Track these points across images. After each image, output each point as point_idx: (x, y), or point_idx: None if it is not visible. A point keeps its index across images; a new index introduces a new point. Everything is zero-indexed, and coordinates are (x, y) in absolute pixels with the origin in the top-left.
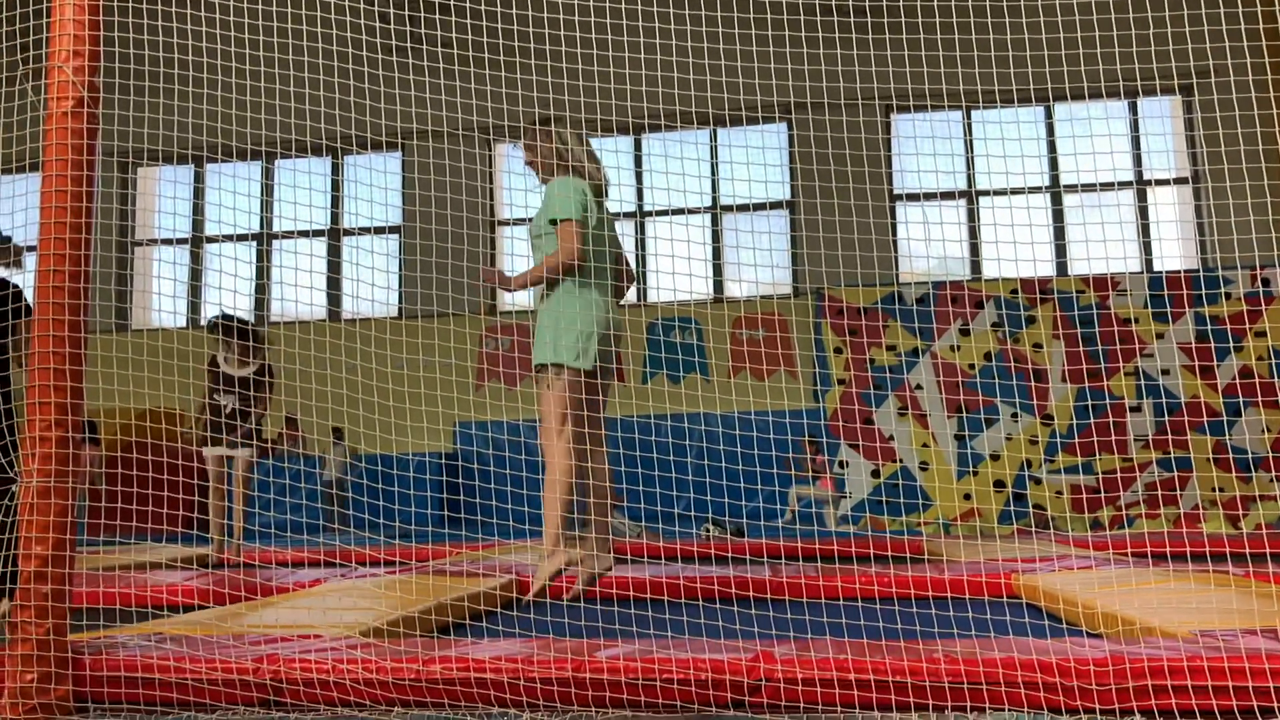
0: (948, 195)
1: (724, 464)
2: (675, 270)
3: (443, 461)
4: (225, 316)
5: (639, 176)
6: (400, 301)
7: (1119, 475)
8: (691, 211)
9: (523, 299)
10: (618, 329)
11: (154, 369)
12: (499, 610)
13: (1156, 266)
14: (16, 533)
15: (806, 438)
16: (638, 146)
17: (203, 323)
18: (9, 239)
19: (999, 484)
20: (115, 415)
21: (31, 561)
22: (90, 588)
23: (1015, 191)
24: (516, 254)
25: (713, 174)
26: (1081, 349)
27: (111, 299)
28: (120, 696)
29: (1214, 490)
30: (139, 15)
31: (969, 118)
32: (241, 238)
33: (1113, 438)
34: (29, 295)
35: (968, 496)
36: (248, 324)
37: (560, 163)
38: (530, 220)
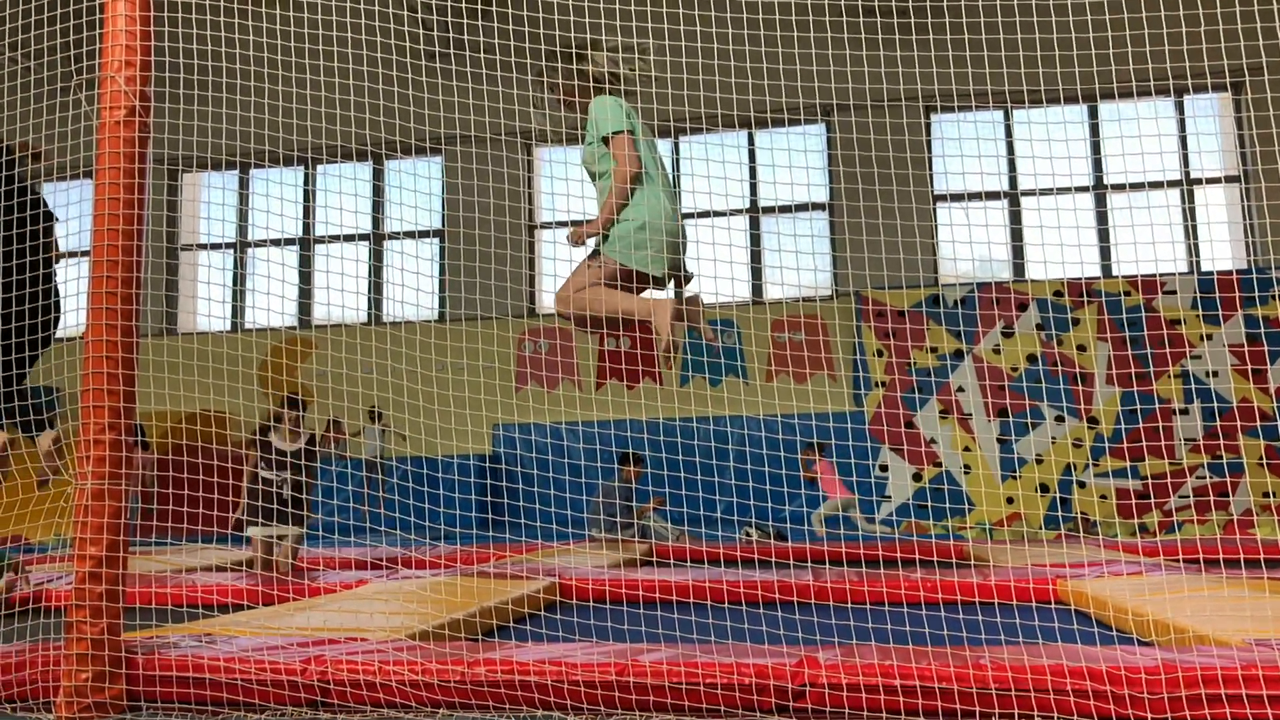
0: (990, 196)
1: (766, 468)
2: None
3: (486, 465)
4: (292, 394)
5: (677, 180)
6: (441, 305)
7: (1167, 480)
8: (732, 214)
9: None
10: (681, 235)
11: (201, 373)
12: (542, 613)
13: (1205, 267)
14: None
15: (812, 442)
16: (676, 150)
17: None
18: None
19: (1042, 488)
20: (166, 419)
21: (86, 562)
22: (141, 588)
23: (1061, 191)
24: (556, 257)
25: (751, 176)
26: (1128, 351)
27: (163, 304)
28: (172, 696)
29: (1265, 495)
30: (185, 25)
31: (1010, 118)
32: (287, 243)
33: (1161, 442)
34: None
35: (1010, 500)
36: (297, 396)
37: (593, 84)
38: (582, 152)
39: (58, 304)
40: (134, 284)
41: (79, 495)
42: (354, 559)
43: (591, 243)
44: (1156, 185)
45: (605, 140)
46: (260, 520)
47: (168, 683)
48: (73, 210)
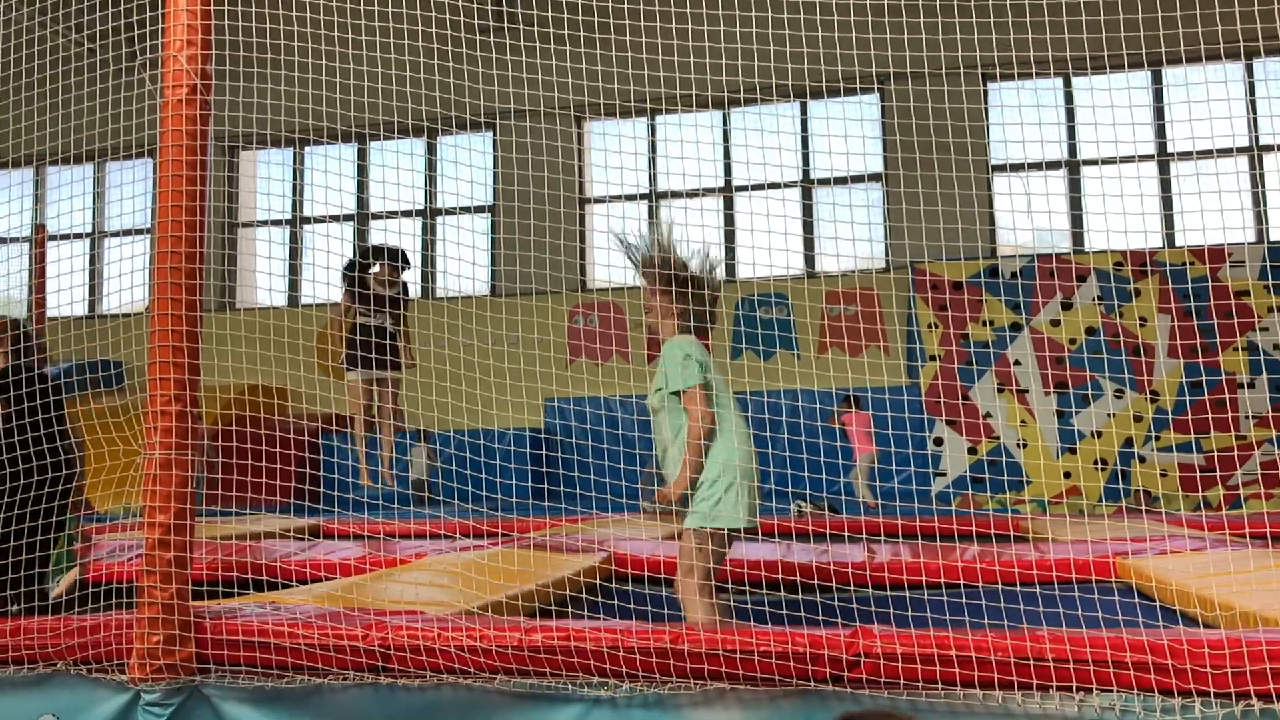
0: (1050, 165)
1: (821, 440)
2: (768, 245)
3: (541, 436)
4: (393, 248)
5: (727, 151)
6: (492, 280)
7: (1234, 453)
8: (786, 186)
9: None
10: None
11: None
12: (598, 582)
13: (1274, 236)
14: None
15: (848, 394)
16: (726, 120)
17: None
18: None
19: (1101, 462)
20: (230, 391)
21: (155, 529)
22: (207, 556)
23: (1125, 160)
24: (608, 231)
25: (804, 147)
26: (1193, 323)
27: (223, 279)
28: (239, 659)
29: None
30: (242, 3)
31: (1070, 85)
32: (345, 218)
33: (1227, 415)
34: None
35: (1067, 475)
36: (398, 247)
37: (676, 321)
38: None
39: (75, 475)
40: (197, 259)
41: (147, 465)
42: (413, 529)
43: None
44: (1224, 153)
45: (676, 393)
46: (360, 366)
47: (234, 646)
48: (138, 188)
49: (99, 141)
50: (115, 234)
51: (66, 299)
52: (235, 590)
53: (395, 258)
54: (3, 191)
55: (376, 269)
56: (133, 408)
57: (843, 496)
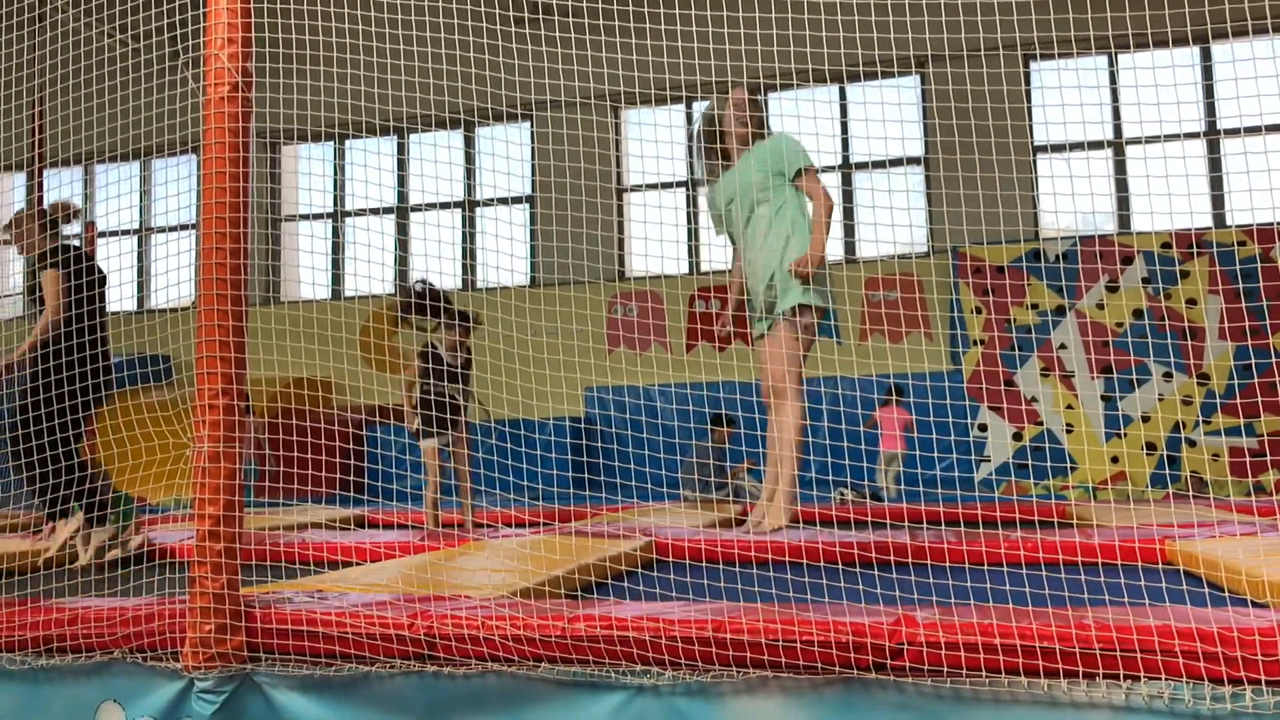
0: (1094, 145)
1: (861, 428)
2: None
3: (581, 425)
4: (433, 294)
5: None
6: (532, 270)
7: None
8: (824, 170)
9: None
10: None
11: (306, 339)
12: (639, 570)
13: None
14: (96, 468)
15: (890, 383)
16: (765, 107)
17: (399, 291)
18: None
19: (1149, 446)
20: (276, 384)
21: (205, 521)
22: (256, 545)
23: (1169, 138)
24: (645, 220)
25: (843, 132)
26: (1242, 304)
27: (268, 273)
28: (289, 648)
29: None
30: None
31: (1115, 64)
32: (385, 211)
33: (1279, 398)
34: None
35: (1115, 459)
36: (468, 310)
37: (759, 130)
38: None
39: (108, 368)
40: (241, 254)
41: (196, 458)
42: (455, 518)
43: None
44: (1274, 129)
45: (778, 175)
46: (435, 430)
47: (284, 635)
48: (183, 185)
49: (144, 140)
50: (162, 230)
51: (116, 295)
52: (300, 571)
53: (466, 319)
54: (54, 191)
55: (442, 332)
56: (181, 402)
57: (864, 481)
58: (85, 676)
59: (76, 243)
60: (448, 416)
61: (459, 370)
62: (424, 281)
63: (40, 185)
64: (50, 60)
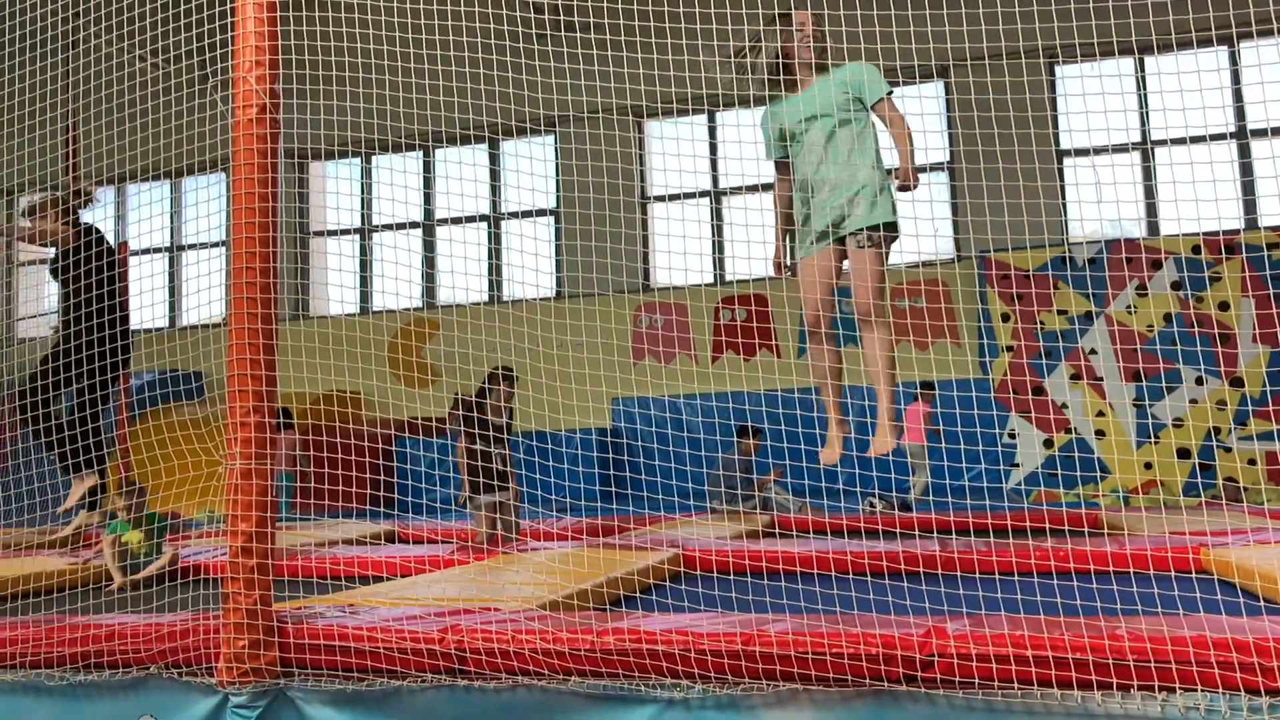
0: (1118, 149)
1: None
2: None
3: (607, 439)
4: (505, 368)
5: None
6: (558, 285)
7: None
8: None
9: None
10: None
11: (335, 355)
12: (667, 583)
13: None
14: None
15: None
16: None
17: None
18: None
19: (1183, 453)
20: (305, 400)
21: (238, 537)
22: (289, 561)
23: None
24: (670, 233)
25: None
26: (1273, 310)
27: (296, 290)
28: (321, 663)
29: None
30: (308, 23)
31: (1142, 69)
32: (411, 226)
33: None
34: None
35: (1148, 466)
36: (511, 371)
37: (821, 60)
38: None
39: (127, 333)
40: (271, 272)
41: (229, 475)
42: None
43: (860, 210)
44: None
45: (858, 100)
46: (483, 494)
47: (317, 650)
48: (214, 205)
49: (175, 161)
50: (193, 247)
51: (149, 313)
52: (331, 586)
53: (511, 381)
54: (88, 212)
55: (490, 397)
56: (214, 419)
57: (893, 492)
58: (122, 692)
59: (91, 221)
60: (494, 482)
61: (505, 431)
62: (507, 368)
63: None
64: (84, 84)
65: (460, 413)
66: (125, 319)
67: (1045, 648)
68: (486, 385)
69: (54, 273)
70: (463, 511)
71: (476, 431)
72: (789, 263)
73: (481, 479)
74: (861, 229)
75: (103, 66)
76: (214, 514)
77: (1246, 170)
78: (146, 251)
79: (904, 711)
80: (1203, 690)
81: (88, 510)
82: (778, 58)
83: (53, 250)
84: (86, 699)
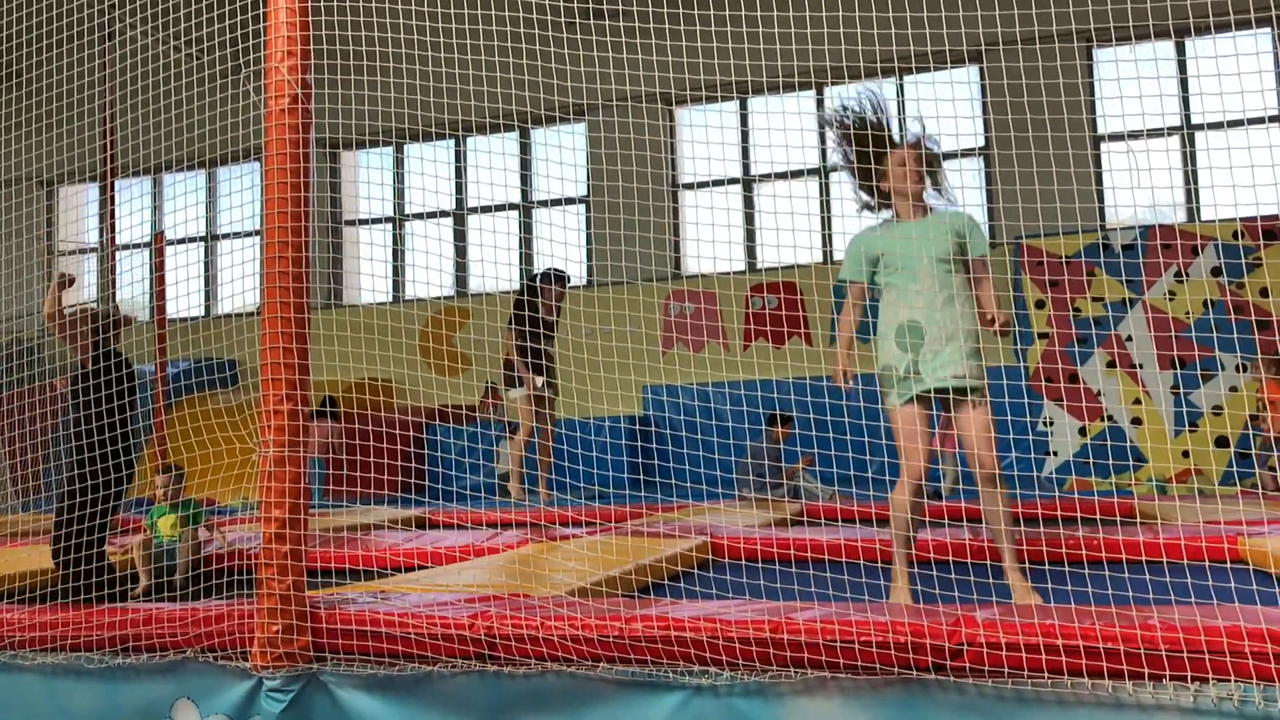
0: (1152, 134)
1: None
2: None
3: (636, 427)
4: (558, 270)
5: (822, 137)
6: (588, 273)
7: None
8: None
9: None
10: None
11: (367, 344)
12: (695, 571)
13: None
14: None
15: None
16: (819, 105)
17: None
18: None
19: (1221, 441)
20: (338, 388)
21: (271, 524)
22: (321, 548)
23: (1233, 125)
24: (700, 222)
25: (900, 128)
26: None
27: (329, 279)
28: (353, 648)
29: None
30: (339, 12)
31: (1183, 52)
32: (442, 215)
33: None
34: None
35: (1185, 454)
36: (564, 272)
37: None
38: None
39: (130, 463)
40: (303, 261)
41: (262, 462)
42: (513, 518)
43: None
44: None
45: (959, 250)
46: (534, 375)
47: (349, 636)
48: (247, 195)
49: (210, 151)
50: (227, 236)
51: (185, 302)
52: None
53: (563, 282)
54: (126, 203)
55: (544, 293)
56: (248, 407)
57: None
58: (160, 675)
59: (117, 349)
60: (543, 363)
61: (553, 329)
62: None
63: (112, 197)
64: (120, 75)
65: (512, 311)
66: (129, 448)
67: (1076, 637)
68: (539, 285)
69: (73, 394)
70: (492, 497)
71: (527, 327)
72: (851, 374)
73: (530, 360)
74: (977, 388)
75: (138, 59)
76: (249, 501)
77: None
78: (182, 241)
79: (933, 700)
80: (1236, 680)
81: None
82: (877, 164)
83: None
84: (125, 681)
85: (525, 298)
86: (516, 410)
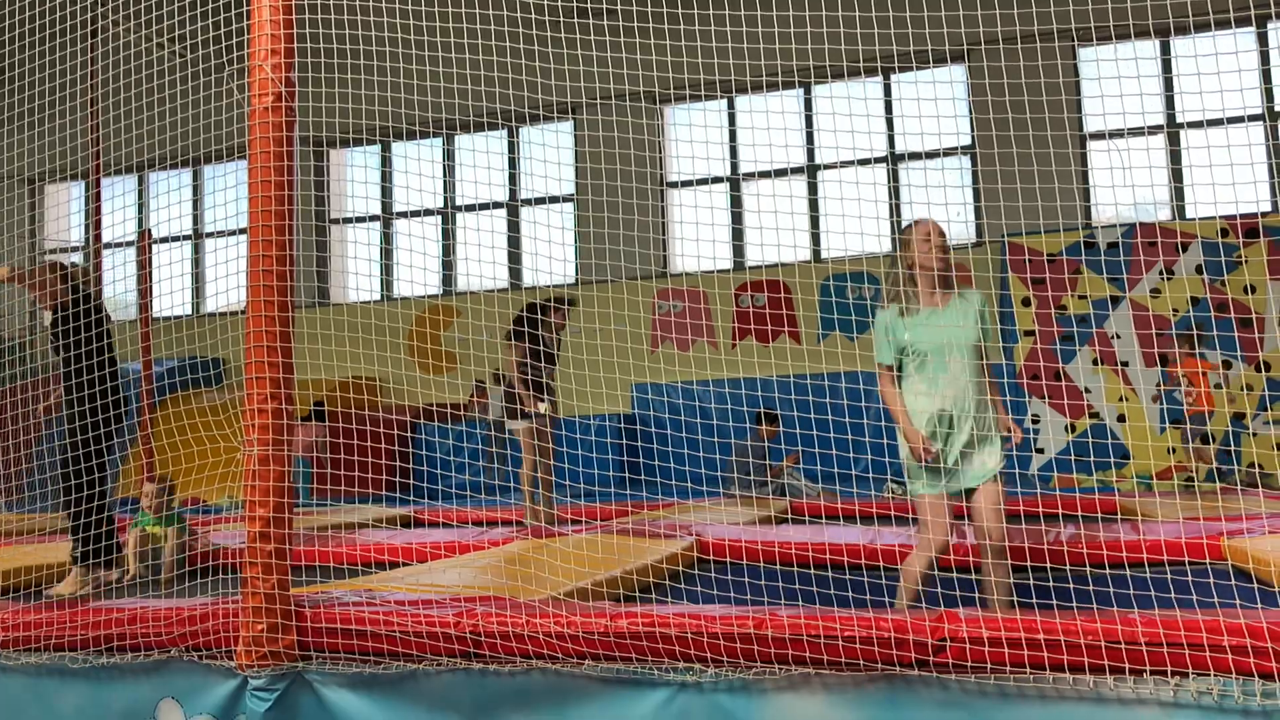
0: (1133, 132)
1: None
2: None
3: (621, 426)
4: (557, 301)
5: (809, 136)
6: (578, 271)
7: None
8: (876, 163)
9: None
10: None
11: (353, 342)
12: (680, 569)
13: None
14: (110, 512)
15: None
16: (811, 106)
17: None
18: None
19: (1208, 437)
20: (322, 387)
21: (256, 523)
22: (306, 546)
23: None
24: (688, 220)
25: (889, 128)
26: None
27: (314, 278)
28: (338, 647)
29: None
30: (323, 10)
31: (1167, 52)
32: (427, 213)
33: None
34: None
35: (1171, 451)
36: (564, 295)
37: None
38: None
39: (120, 402)
40: (288, 260)
41: (247, 461)
42: (499, 516)
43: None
44: None
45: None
46: (543, 398)
47: (334, 634)
48: (231, 194)
49: (195, 148)
50: (212, 235)
51: (170, 300)
52: (332, 577)
53: (563, 303)
54: (109, 200)
55: (548, 317)
56: (233, 405)
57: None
58: (144, 675)
59: (88, 292)
60: (544, 395)
61: (555, 352)
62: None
63: (98, 195)
64: (105, 72)
65: (514, 328)
66: (115, 375)
67: (1057, 632)
68: (540, 305)
69: (53, 336)
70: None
71: (528, 346)
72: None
73: (531, 383)
74: (988, 472)
75: (122, 56)
76: (234, 499)
77: (1277, 154)
78: (167, 240)
79: (915, 695)
80: (1215, 675)
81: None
82: (909, 267)
83: (49, 315)
84: (109, 681)
85: (526, 330)
86: (519, 442)
